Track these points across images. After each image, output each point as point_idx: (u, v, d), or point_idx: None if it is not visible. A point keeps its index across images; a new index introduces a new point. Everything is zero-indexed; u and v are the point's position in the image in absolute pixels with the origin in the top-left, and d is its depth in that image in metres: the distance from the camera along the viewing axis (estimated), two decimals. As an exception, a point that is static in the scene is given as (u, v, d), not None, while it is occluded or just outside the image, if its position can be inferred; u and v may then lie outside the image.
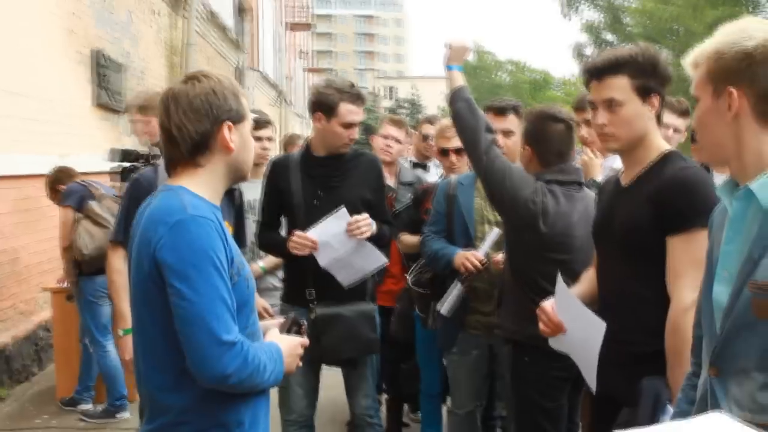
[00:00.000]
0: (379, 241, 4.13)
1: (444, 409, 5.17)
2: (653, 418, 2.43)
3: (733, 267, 1.98)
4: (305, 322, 2.68)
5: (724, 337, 1.97)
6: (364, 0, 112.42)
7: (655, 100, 2.86)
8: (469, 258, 4.17)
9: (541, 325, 3.02)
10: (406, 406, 6.04)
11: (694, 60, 1.99)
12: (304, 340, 2.59)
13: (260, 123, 4.97)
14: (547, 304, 2.99)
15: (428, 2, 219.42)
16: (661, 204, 2.71)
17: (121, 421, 6.19)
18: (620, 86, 2.83)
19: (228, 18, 16.46)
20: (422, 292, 4.64)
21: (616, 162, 4.61)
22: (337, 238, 3.97)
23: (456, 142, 4.87)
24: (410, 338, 5.16)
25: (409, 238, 5.06)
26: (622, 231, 2.84)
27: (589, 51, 45.65)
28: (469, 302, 4.28)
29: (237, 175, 2.46)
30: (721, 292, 1.99)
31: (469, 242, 4.32)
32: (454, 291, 4.25)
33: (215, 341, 2.16)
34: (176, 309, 2.18)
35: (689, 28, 35.24)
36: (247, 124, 2.44)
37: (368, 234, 4.02)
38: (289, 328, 2.61)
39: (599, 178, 4.44)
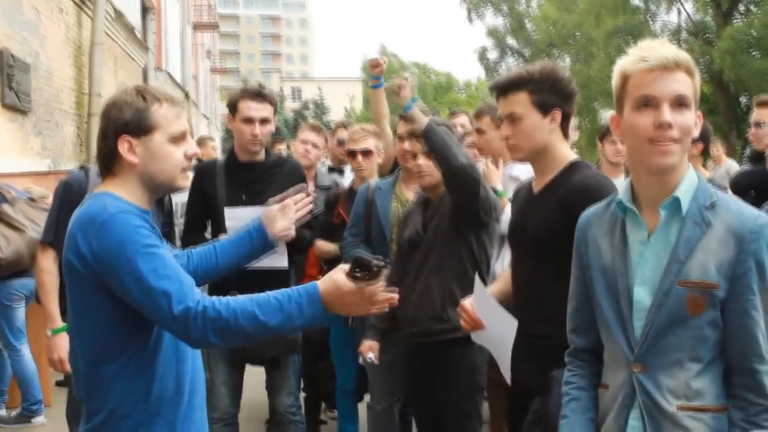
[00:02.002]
0: (299, 243, 4.26)
1: (360, 406, 5.36)
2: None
3: (650, 270, 2.21)
4: (374, 260, 2.33)
5: (652, 335, 2.19)
6: (270, 0, 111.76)
7: (557, 115, 3.10)
8: None
9: (462, 322, 3.24)
10: (323, 404, 6.19)
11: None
12: (368, 286, 2.32)
13: None
14: (467, 302, 3.21)
15: (333, 3, 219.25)
16: (569, 209, 2.94)
17: (37, 427, 6.15)
18: (520, 102, 3.09)
19: (134, 17, 16.25)
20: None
21: (514, 170, 4.89)
22: None
23: (363, 144, 5.05)
24: (325, 338, 5.32)
25: (323, 245, 5.19)
26: (535, 234, 3.08)
27: (492, 55, 46.59)
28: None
29: (154, 185, 2.48)
30: (643, 294, 2.21)
31: (385, 245, 4.48)
32: None
33: (169, 318, 2.27)
34: (127, 300, 2.31)
35: (589, 35, 36.32)
36: (159, 135, 2.43)
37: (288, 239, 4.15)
38: (354, 277, 2.31)
39: (499, 186, 4.69)
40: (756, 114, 4.47)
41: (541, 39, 42.82)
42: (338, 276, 2.33)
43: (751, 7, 32.98)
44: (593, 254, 2.37)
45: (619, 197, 2.31)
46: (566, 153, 3.17)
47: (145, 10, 18.56)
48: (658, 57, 2.14)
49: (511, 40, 46.37)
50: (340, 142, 6.18)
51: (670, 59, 2.14)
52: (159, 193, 2.58)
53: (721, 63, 28.61)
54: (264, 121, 4.22)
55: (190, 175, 2.82)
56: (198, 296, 2.30)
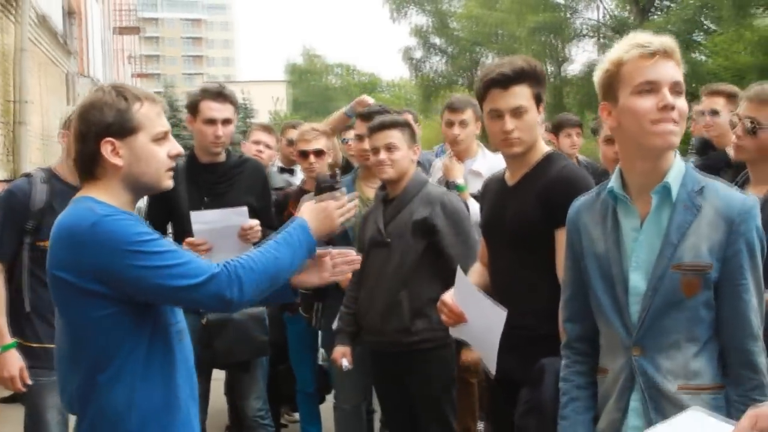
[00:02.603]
0: None
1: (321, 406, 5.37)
2: (557, 394, 2.66)
3: (644, 255, 2.26)
4: (333, 177, 2.85)
5: (650, 318, 2.24)
6: (191, 3, 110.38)
7: (541, 108, 3.15)
8: None
9: (443, 317, 3.21)
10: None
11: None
12: (334, 198, 2.64)
13: None
14: (447, 296, 3.19)
15: (256, 5, 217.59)
16: (549, 200, 2.98)
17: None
18: (525, 94, 3.08)
19: (58, 22, 15.86)
20: (306, 293, 4.74)
21: (475, 165, 4.93)
22: (226, 231, 4.01)
23: (315, 144, 5.02)
24: (283, 340, 5.28)
25: None
26: (513, 226, 3.10)
27: (417, 54, 46.90)
28: None
29: (139, 187, 2.44)
30: (639, 279, 2.26)
31: (348, 245, 4.44)
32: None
33: (194, 289, 2.26)
34: (143, 294, 2.28)
35: (512, 32, 36.86)
36: (143, 135, 2.38)
37: (255, 240, 4.12)
38: (320, 192, 2.68)
39: (460, 180, 4.72)
40: (708, 102, 4.55)
41: (465, 37, 43.27)
42: (308, 205, 2.62)
43: (667, 3, 33.88)
44: (586, 243, 2.41)
45: (610, 185, 2.35)
46: (542, 145, 3.23)
47: (69, 14, 18.13)
48: (658, 43, 2.20)
49: (435, 39, 46.77)
50: (290, 142, 6.13)
51: (669, 46, 2.21)
52: (143, 194, 2.53)
53: (641, 57, 29.25)
54: (226, 121, 4.16)
55: None
56: (214, 264, 2.31)
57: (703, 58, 30.97)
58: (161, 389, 2.37)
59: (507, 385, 3.10)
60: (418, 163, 5.95)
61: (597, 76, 2.34)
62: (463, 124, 4.93)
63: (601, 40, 35.61)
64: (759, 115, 3.24)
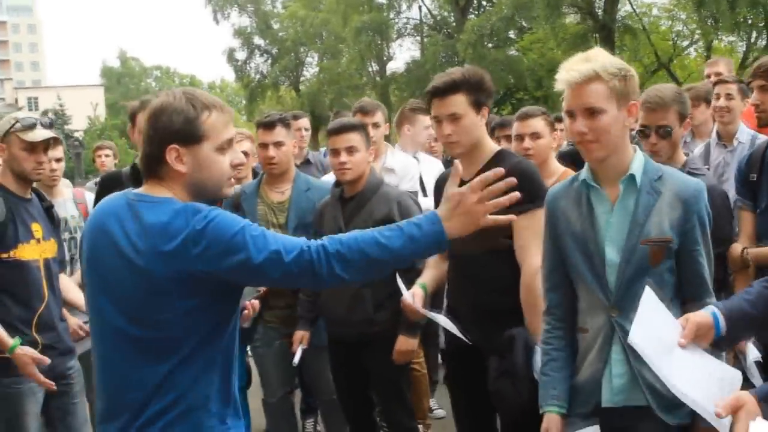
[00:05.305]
0: None
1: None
2: (527, 359, 3.10)
3: (616, 233, 2.70)
4: None
5: (625, 285, 2.67)
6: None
7: (485, 111, 3.49)
8: None
9: (408, 314, 3.62)
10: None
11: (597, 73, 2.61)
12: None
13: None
14: (406, 297, 3.54)
15: (64, 6, 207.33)
16: (507, 191, 3.36)
17: None
18: (459, 102, 3.42)
19: None
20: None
21: (387, 162, 5.38)
22: None
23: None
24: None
25: None
26: None
27: (241, 55, 46.72)
28: (267, 301, 4.61)
29: (201, 193, 2.44)
30: (612, 253, 2.70)
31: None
32: None
33: (284, 263, 2.29)
34: (243, 275, 2.32)
35: (337, 33, 37.49)
36: (208, 144, 2.39)
37: None
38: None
39: None
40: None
41: (289, 37, 43.54)
42: (445, 197, 2.44)
43: (483, 2, 35.51)
44: (563, 224, 2.80)
45: (583, 177, 2.77)
46: (491, 144, 3.61)
47: None
48: (568, 78, 2.62)
49: (258, 40, 46.76)
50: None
51: (580, 78, 2.61)
52: (202, 200, 2.45)
53: (464, 55, 30.57)
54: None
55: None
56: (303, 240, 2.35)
57: (517, 54, 32.76)
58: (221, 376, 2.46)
59: (472, 355, 3.47)
60: (309, 162, 6.27)
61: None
62: (375, 126, 5.27)
63: (424, 39, 36.91)
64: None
